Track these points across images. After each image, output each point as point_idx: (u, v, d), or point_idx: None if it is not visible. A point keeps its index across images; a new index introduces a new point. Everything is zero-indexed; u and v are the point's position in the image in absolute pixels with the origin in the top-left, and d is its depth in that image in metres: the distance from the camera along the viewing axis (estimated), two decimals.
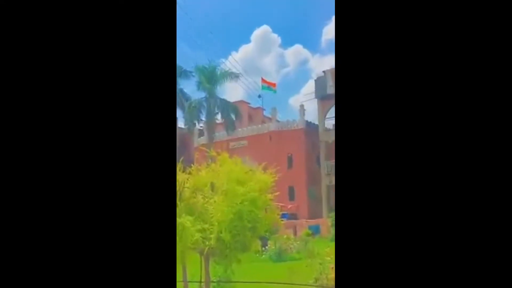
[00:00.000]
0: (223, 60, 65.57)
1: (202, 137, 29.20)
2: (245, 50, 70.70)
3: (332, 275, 5.09)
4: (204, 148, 5.49)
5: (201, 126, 28.46)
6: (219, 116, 24.57)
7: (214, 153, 5.10)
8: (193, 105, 23.31)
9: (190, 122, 24.54)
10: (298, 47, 76.38)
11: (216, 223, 4.36)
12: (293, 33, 78.09)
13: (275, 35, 73.15)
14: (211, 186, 5.06)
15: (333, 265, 5.39)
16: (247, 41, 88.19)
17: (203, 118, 24.41)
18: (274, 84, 32.37)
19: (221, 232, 4.34)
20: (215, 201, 4.59)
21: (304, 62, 72.68)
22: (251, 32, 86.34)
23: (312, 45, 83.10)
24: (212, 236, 4.33)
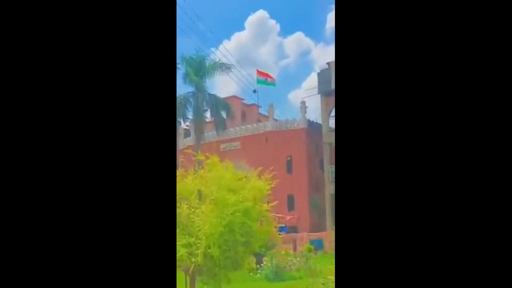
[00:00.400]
0: (213, 49, 65.27)
1: (188, 138, 29.18)
2: (239, 38, 70.49)
3: None
4: (189, 151, 5.49)
5: (187, 125, 28.41)
6: (208, 114, 24.50)
7: (202, 157, 5.11)
8: (178, 101, 23.25)
9: (176, 121, 24.51)
10: (299, 35, 76.05)
11: (204, 237, 4.37)
12: (293, 19, 77.97)
13: (273, 22, 72.78)
14: (198, 194, 5.07)
15: None
16: (241, 28, 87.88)
17: (190, 116, 24.34)
18: (271, 77, 32.43)
19: (209, 247, 4.34)
20: (202, 212, 4.60)
21: (306, 52, 72.72)
22: (245, 18, 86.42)
23: (315, 34, 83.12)
24: (199, 251, 4.34)
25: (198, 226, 4.53)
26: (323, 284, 5.28)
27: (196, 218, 4.61)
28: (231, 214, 4.47)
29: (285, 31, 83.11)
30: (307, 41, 73.66)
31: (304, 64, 70.78)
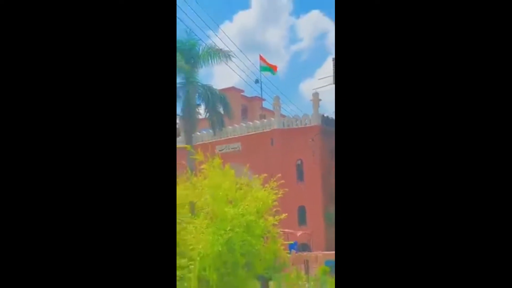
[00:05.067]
0: (212, 32, 64.40)
1: (178, 138, 29.18)
2: (243, 18, 70.36)
3: None
4: (188, 147, 5.52)
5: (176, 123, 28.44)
6: (201, 110, 24.45)
7: (201, 157, 5.13)
8: None
9: None
10: (315, 13, 75.26)
11: (198, 258, 4.40)
12: None
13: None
14: (190, 206, 5.11)
15: None
16: (246, 6, 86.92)
17: (179, 112, 24.31)
18: (275, 67, 32.50)
19: (204, 270, 4.38)
20: (195, 228, 4.64)
21: (323, 35, 72.01)
22: None
23: (332, 11, 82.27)
24: (191, 275, 4.38)
25: (191, 245, 4.58)
26: None
27: (188, 236, 4.66)
28: (230, 230, 4.52)
29: (299, 10, 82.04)
30: (325, 21, 71.94)
31: (319, 49, 69.90)
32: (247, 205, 4.59)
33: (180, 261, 4.49)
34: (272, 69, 32.11)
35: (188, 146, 5.52)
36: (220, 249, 4.34)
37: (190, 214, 4.94)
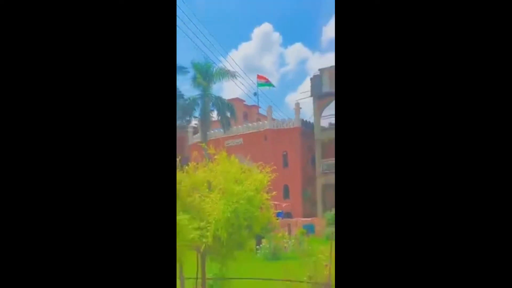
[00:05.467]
0: (223, 58, 65.08)
1: (196, 135, 29.22)
2: (245, 48, 70.98)
3: (326, 272, 5.25)
4: (202, 145, 5.60)
5: (195, 124, 28.46)
6: (214, 114, 24.56)
7: (212, 151, 5.22)
8: (187, 102, 23.36)
9: (184, 120, 24.61)
10: (298, 45, 76.46)
11: (213, 221, 4.49)
12: (294, 31, 79.29)
13: (276, 34, 73.89)
14: (208, 184, 5.19)
15: (326, 262, 5.53)
16: (248, 39, 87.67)
17: (198, 116, 24.43)
18: (268, 80, 32.52)
19: (217, 230, 4.47)
20: (211, 200, 4.72)
21: (304, 61, 72.96)
22: (251, 30, 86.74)
23: (312, 44, 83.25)
24: (208, 234, 4.46)
25: (208, 212, 4.66)
26: (314, 262, 5.40)
27: (206, 205, 4.74)
28: (236, 201, 4.59)
29: (286, 42, 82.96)
30: (305, 51, 75.58)
31: (301, 71, 70.90)
32: (248, 184, 4.65)
33: (200, 224, 4.57)
34: (270, 83, 32.16)
35: (203, 144, 5.63)
36: (229, 215, 4.41)
37: (207, 190, 5.01)
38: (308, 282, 5.18)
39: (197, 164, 5.45)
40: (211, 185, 5.11)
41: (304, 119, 28.80)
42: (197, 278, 5.30)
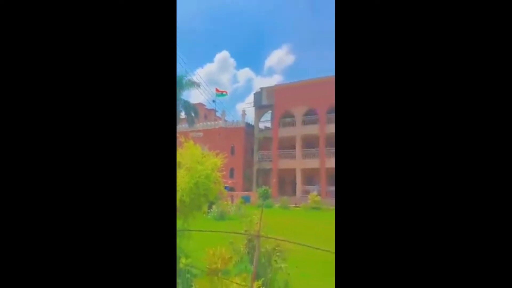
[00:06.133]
0: (191, 72, 64.12)
1: None
2: (209, 67, 70.21)
3: (257, 228, 5.49)
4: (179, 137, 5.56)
5: None
6: (182, 113, 24.03)
7: (183, 140, 5.22)
8: None
9: None
10: (247, 69, 77.84)
11: (180, 190, 4.53)
12: (244, 59, 79.47)
13: (232, 59, 73.56)
14: (178, 164, 5.19)
15: (257, 221, 5.79)
16: (211, 60, 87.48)
17: None
18: (225, 91, 32.33)
19: (183, 196, 4.52)
20: (180, 174, 4.75)
21: (250, 80, 74.44)
22: (214, 55, 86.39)
23: (257, 69, 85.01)
24: (177, 199, 4.50)
25: (177, 183, 4.67)
26: (249, 221, 5.63)
27: (178, 179, 4.74)
28: (198, 177, 4.65)
29: (239, 66, 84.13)
30: (251, 74, 75.86)
31: (247, 87, 72.03)
32: (207, 165, 4.74)
33: None
34: (225, 94, 31.96)
35: None
36: (191, 186, 4.47)
37: (178, 168, 5.01)
38: (244, 234, 5.42)
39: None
40: (180, 164, 5.11)
41: (248, 122, 29.09)
42: None
